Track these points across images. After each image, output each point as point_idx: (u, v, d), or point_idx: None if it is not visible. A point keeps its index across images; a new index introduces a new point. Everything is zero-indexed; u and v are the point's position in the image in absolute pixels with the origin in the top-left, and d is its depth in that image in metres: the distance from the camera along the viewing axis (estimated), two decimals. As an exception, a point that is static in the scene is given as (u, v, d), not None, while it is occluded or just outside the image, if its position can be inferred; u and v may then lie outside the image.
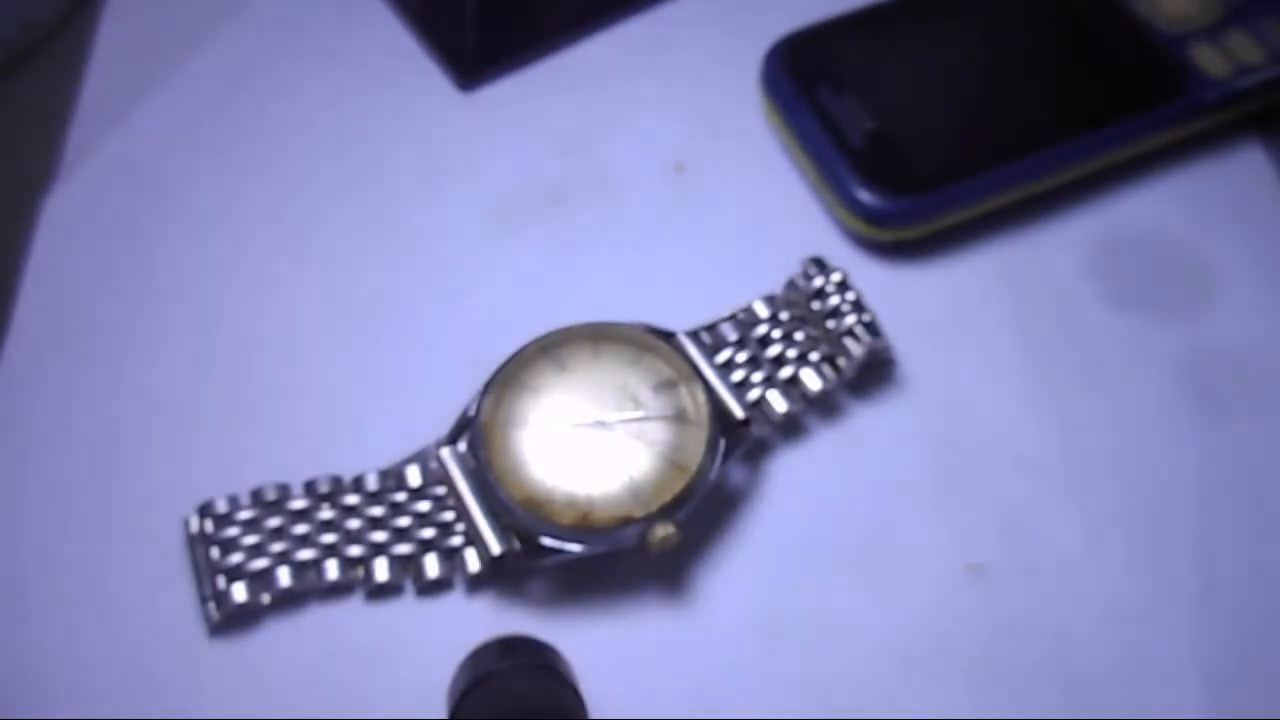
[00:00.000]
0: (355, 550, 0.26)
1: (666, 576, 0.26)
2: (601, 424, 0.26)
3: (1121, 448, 0.27)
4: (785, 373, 0.27)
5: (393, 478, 0.27)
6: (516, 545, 0.25)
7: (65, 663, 0.25)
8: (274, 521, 0.26)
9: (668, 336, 0.27)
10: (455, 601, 0.26)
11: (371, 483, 0.26)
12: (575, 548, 0.25)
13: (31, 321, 0.30)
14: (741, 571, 0.26)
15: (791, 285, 0.28)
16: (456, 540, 0.26)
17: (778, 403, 0.27)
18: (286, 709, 0.24)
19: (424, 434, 0.27)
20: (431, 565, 0.26)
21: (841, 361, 0.27)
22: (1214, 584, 0.25)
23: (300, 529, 0.26)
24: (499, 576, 0.26)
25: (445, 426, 0.27)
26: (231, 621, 0.25)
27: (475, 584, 0.26)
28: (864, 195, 0.29)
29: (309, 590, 0.26)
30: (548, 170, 0.32)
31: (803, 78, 0.31)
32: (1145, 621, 0.25)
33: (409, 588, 0.26)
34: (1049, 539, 0.26)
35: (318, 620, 0.26)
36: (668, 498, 0.25)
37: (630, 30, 0.35)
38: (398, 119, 0.33)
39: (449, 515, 0.26)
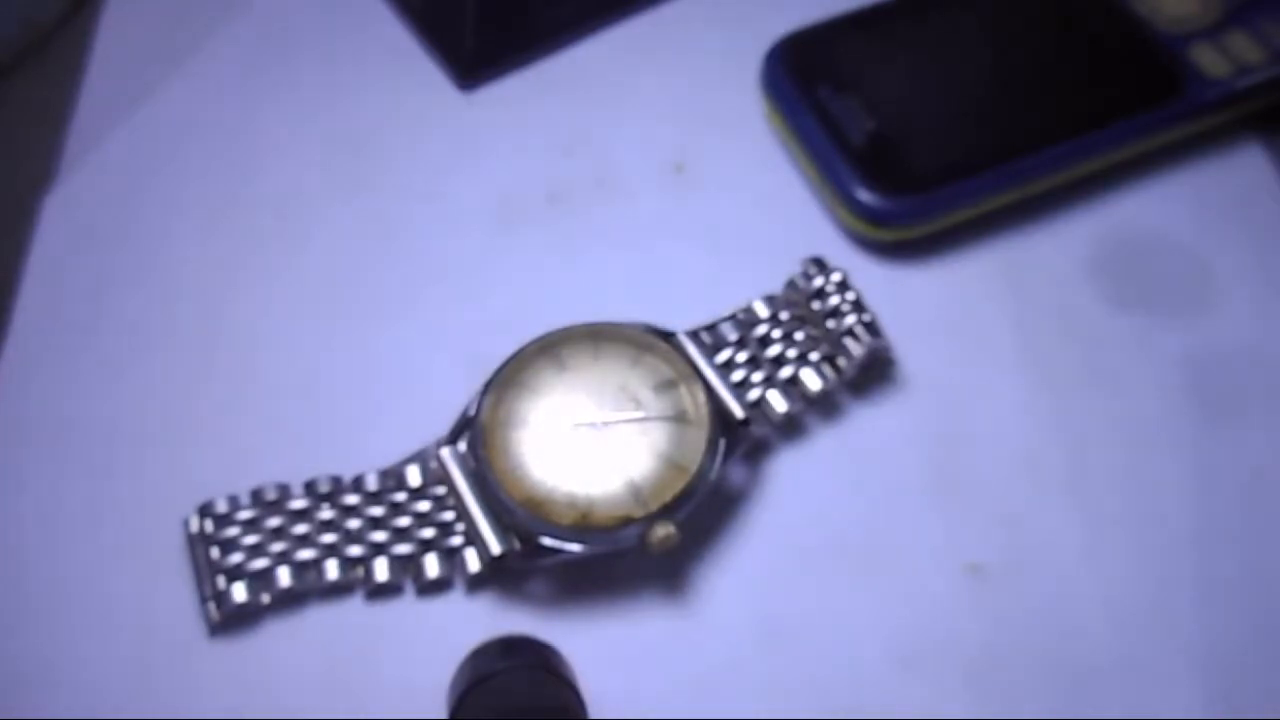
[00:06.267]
0: (355, 550, 0.26)
1: (666, 576, 0.26)
2: (602, 424, 0.26)
3: (1121, 447, 0.27)
4: (785, 373, 0.27)
5: (393, 478, 0.27)
6: (516, 545, 0.25)
7: (65, 663, 0.25)
8: (274, 521, 0.26)
9: (668, 336, 0.27)
10: (455, 601, 0.26)
11: (371, 483, 0.26)
12: (575, 548, 0.25)
13: (31, 321, 0.30)
14: (741, 571, 0.26)
15: (791, 285, 0.28)
16: (456, 540, 0.26)
17: (778, 403, 0.27)
18: (286, 709, 0.24)
19: (424, 434, 0.27)
20: (431, 565, 0.26)
21: (841, 361, 0.27)
22: (1214, 584, 0.25)
23: (300, 529, 0.26)
24: (499, 576, 0.26)
25: (445, 426, 0.27)
26: (231, 621, 0.25)
27: (475, 584, 0.26)
28: (864, 195, 0.29)
29: (309, 590, 0.26)
30: (548, 170, 0.32)
31: (803, 78, 0.31)
32: (1145, 621, 0.25)
33: (409, 588, 0.26)
34: (1049, 539, 0.26)
35: (318, 620, 0.26)
36: (668, 498, 0.25)
37: (630, 30, 0.35)
38: (398, 119, 0.33)
39: (449, 515, 0.26)
